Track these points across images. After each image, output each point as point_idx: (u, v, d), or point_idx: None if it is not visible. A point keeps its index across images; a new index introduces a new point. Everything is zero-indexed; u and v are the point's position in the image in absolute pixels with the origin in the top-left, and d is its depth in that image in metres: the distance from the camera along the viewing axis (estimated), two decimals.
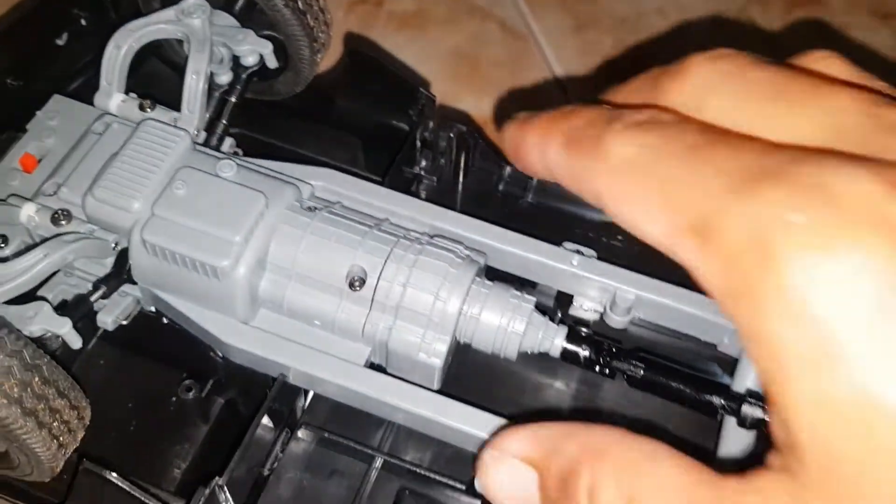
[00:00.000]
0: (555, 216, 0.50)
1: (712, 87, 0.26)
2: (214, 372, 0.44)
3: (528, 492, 0.28)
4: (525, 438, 0.28)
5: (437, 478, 0.40)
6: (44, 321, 0.35)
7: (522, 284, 0.41)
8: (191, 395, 0.43)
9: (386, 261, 0.38)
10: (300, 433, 0.42)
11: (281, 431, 0.41)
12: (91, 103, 0.44)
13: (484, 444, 0.29)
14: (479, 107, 0.77)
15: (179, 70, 0.49)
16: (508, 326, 0.38)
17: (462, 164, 0.50)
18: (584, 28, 0.84)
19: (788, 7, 0.87)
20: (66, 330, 0.35)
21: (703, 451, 0.36)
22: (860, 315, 0.20)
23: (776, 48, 0.82)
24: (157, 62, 0.52)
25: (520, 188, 0.50)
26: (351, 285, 0.38)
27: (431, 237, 0.40)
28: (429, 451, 0.42)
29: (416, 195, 0.48)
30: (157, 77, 0.52)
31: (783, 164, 0.22)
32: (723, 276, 0.23)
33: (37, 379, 0.33)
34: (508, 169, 0.50)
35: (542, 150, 0.29)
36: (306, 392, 0.42)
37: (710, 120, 0.26)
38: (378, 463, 0.40)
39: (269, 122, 0.52)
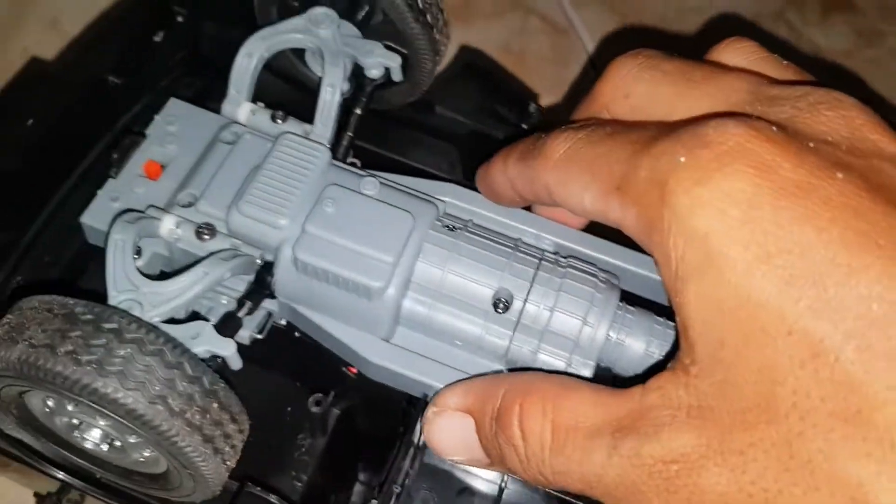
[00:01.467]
0: None
1: (635, 77, 0.33)
2: (339, 386, 0.44)
3: (467, 438, 0.33)
4: (460, 392, 0.34)
5: (571, 499, 0.41)
6: (208, 342, 0.35)
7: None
8: (318, 408, 0.43)
9: (532, 283, 0.38)
10: (428, 450, 0.42)
11: (411, 448, 0.41)
12: (185, 100, 0.44)
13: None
14: None
15: (289, 79, 0.49)
16: (655, 353, 0.39)
17: None
18: (626, 25, 0.84)
19: (824, 11, 0.88)
20: (231, 352, 0.35)
21: None
22: (731, 228, 0.24)
23: (818, 52, 0.83)
24: None
25: None
26: (496, 307, 0.38)
27: (565, 258, 0.40)
28: None
29: None
30: None
31: (674, 127, 0.28)
32: (637, 217, 0.28)
33: (215, 405, 0.33)
34: None
35: (503, 170, 0.37)
36: None
37: (635, 103, 0.33)
38: (508, 482, 0.41)
39: (370, 128, 0.51)
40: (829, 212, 0.24)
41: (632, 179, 0.28)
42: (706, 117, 0.28)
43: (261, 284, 0.39)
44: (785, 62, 0.32)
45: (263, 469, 0.43)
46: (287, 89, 0.49)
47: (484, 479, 0.42)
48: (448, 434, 0.34)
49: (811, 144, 0.26)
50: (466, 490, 0.42)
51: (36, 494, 0.46)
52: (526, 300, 0.38)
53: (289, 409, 0.44)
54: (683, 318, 0.26)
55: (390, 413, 0.42)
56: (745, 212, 0.24)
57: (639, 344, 0.39)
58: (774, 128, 0.26)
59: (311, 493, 0.43)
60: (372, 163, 0.44)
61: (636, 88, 0.33)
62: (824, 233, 0.23)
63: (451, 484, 0.42)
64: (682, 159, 0.26)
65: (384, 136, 0.52)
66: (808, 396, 0.23)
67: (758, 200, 0.24)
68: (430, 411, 0.34)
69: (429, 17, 0.43)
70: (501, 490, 0.41)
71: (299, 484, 0.43)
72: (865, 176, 0.25)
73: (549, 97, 0.79)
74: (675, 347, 0.28)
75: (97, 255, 0.39)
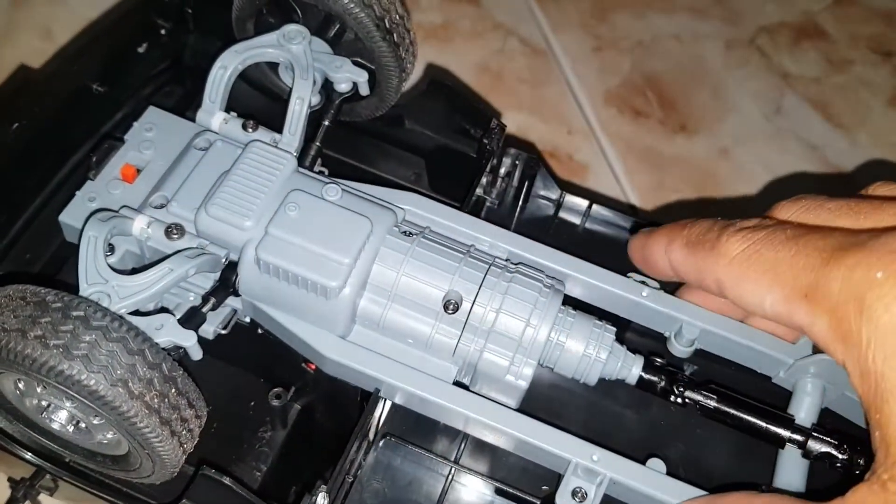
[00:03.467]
0: (609, 245, 0.52)
1: (800, 219, 0.33)
2: (299, 381, 0.46)
3: None
4: None
5: (514, 491, 0.43)
6: (171, 333, 0.37)
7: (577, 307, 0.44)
8: (278, 402, 0.45)
9: (480, 287, 0.41)
10: (381, 443, 0.44)
11: (363, 440, 0.43)
12: (166, 110, 0.46)
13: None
14: (506, 120, 0.80)
15: (261, 89, 0.51)
16: (592, 354, 0.41)
17: (524, 191, 0.52)
18: (603, 49, 0.87)
19: (796, 38, 0.90)
20: (191, 343, 0.37)
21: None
22: None
23: (787, 78, 0.86)
24: None
25: (576, 216, 0.53)
26: (446, 308, 0.41)
27: (515, 264, 0.43)
28: (501, 464, 0.45)
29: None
30: None
31: (863, 239, 0.29)
32: (831, 327, 0.29)
33: (173, 390, 0.35)
34: (567, 197, 0.53)
35: (667, 252, 0.38)
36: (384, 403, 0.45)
37: None
38: (455, 475, 0.43)
39: (341, 139, 0.54)
40: None
41: (823, 289, 0.29)
42: (890, 229, 0.29)
43: (225, 282, 0.41)
44: None
45: (226, 459, 0.45)
46: (262, 99, 0.52)
47: (433, 472, 0.44)
48: None
49: None
50: (414, 481, 0.44)
51: (10, 479, 0.48)
52: (474, 302, 0.41)
53: (251, 403, 0.47)
54: (884, 434, 0.28)
55: (347, 408, 0.44)
56: None
57: (578, 345, 0.41)
58: None
59: (270, 482, 0.45)
60: (342, 172, 0.46)
61: None
62: None
63: (401, 476, 0.44)
64: (879, 275, 0.27)
65: (355, 147, 0.55)
66: None
67: None
68: None
69: (395, 36, 0.46)
70: (448, 482, 0.43)
71: (258, 474, 0.45)
72: None
73: (524, 115, 0.82)
74: (869, 457, 0.29)
75: (75, 254, 0.42)
